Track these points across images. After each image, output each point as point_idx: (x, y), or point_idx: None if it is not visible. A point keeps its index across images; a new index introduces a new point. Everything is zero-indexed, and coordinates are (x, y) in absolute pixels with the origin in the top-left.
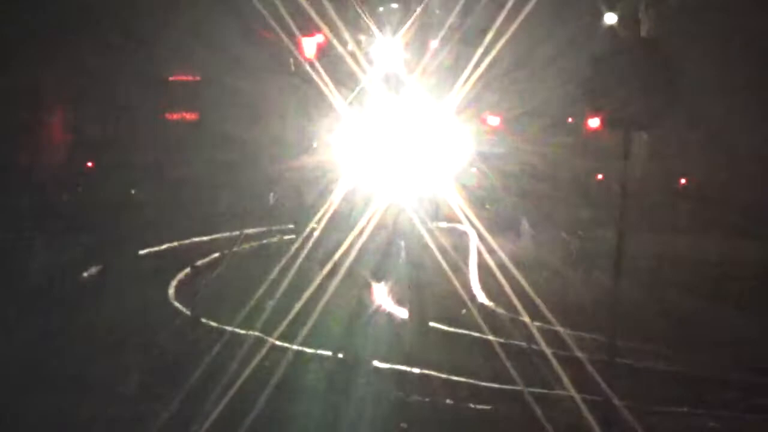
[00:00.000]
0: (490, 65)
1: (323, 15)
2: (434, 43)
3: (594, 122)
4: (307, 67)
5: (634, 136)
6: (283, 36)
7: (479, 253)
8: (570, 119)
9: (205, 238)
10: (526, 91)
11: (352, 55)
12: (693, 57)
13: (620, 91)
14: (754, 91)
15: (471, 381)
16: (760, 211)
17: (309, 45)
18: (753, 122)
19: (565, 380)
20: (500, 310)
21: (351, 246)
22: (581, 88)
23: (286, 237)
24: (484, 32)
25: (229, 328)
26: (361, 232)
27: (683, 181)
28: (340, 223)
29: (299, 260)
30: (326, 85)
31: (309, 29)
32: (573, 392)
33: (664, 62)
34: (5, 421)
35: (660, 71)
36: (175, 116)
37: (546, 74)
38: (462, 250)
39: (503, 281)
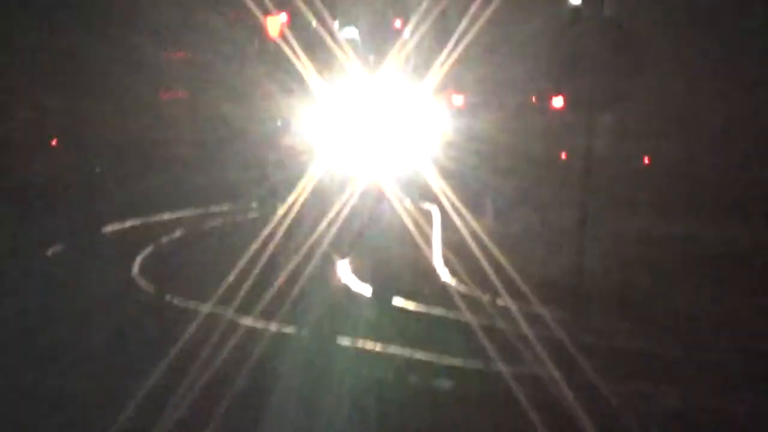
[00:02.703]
0: (461, 46)
1: None
2: (399, 23)
3: (558, 102)
4: (274, 47)
5: (598, 116)
6: (254, 15)
7: (447, 230)
8: (534, 99)
9: (167, 217)
10: (492, 71)
11: (324, 33)
12: (656, 35)
13: (583, 72)
14: (719, 70)
15: (432, 358)
16: (720, 189)
17: (272, 24)
18: (717, 101)
19: (526, 357)
20: (461, 288)
21: (322, 224)
22: (545, 68)
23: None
24: (458, 15)
25: (193, 306)
26: (336, 214)
27: (646, 160)
28: (313, 203)
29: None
30: (300, 62)
31: (274, 8)
32: (535, 369)
33: (627, 42)
34: None
35: (623, 51)
36: (164, 95)
37: (513, 54)
38: (432, 226)
39: (466, 258)
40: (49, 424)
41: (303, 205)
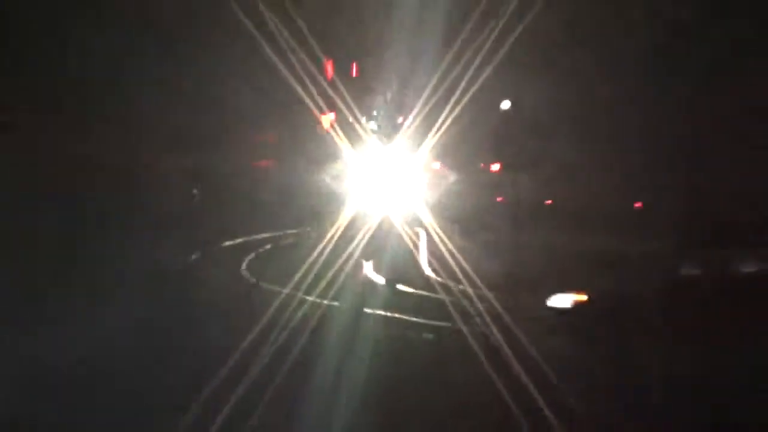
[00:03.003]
0: (439, 132)
1: (338, 97)
2: (401, 119)
3: (496, 167)
4: (330, 132)
5: (520, 175)
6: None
7: (431, 245)
8: (482, 165)
9: (260, 236)
10: (458, 147)
11: (357, 123)
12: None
13: (513, 148)
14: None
15: (421, 320)
16: (595, 218)
17: (325, 120)
18: (599, 164)
19: (476, 320)
20: (438, 279)
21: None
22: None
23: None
24: (437, 114)
25: (277, 289)
26: (362, 235)
27: (549, 201)
28: (348, 228)
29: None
30: (341, 140)
31: (326, 108)
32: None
33: (539, 129)
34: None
35: (536, 135)
36: (256, 163)
37: (471, 138)
38: (420, 242)
39: (442, 261)
40: (206, 344)
41: (342, 230)
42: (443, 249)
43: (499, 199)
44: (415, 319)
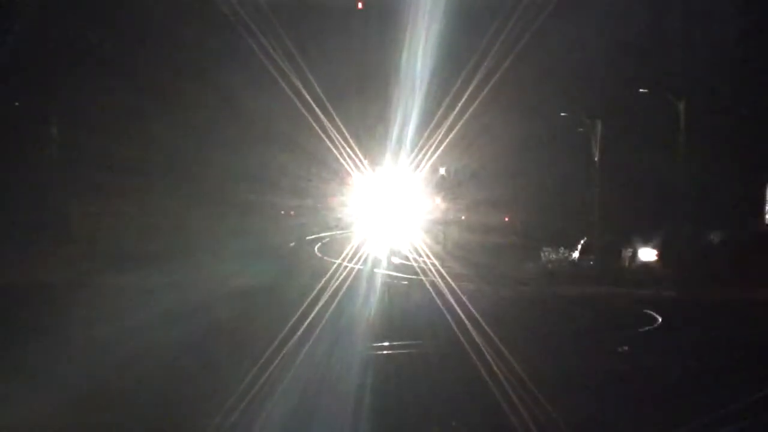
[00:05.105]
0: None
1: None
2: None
3: (438, 200)
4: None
5: (448, 204)
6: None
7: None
8: (439, 200)
9: (321, 235)
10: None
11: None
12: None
13: (444, 191)
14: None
15: (401, 275)
16: (531, 228)
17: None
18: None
19: (429, 274)
20: (411, 257)
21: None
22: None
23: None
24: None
25: (333, 260)
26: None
27: (506, 218)
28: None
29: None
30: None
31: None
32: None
33: (458, 182)
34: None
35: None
36: (286, 213)
37: (431, 185)
38: (410, 246)
39: (415, 251)
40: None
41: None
42: (417, 245)
43: (462, 217)
44: (397, 274)
